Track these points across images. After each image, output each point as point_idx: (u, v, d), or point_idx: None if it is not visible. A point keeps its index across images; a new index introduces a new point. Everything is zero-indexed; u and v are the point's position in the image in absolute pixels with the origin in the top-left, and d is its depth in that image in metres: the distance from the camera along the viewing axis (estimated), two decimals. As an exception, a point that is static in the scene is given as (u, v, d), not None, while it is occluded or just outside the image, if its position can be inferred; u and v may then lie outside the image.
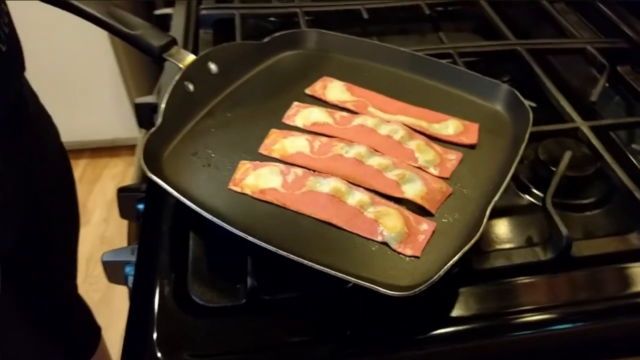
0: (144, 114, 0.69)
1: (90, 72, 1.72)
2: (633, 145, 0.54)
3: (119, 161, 2.10)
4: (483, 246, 0.48)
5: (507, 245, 0.49)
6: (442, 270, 0.38)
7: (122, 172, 2.07)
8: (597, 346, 0.44)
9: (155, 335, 0.41)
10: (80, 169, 1.98)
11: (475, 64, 0.71)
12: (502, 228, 0.52)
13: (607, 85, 0.68)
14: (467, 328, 0.42)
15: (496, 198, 0.43)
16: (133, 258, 0.52)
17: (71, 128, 1.92)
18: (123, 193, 0.62)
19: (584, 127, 0.55)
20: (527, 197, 0.55)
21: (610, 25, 0.71)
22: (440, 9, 0.82)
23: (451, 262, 0.38)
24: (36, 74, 1.83)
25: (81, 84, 1.77)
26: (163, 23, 0.83)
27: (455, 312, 0.43)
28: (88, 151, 2.03)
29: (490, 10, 0.74)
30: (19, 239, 0.65)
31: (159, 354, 0.40)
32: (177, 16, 0.78)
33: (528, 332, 0.43)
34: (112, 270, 0.56)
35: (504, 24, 0.73)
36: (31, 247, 0.70)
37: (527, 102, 0.56)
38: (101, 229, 1.83)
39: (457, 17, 0.84)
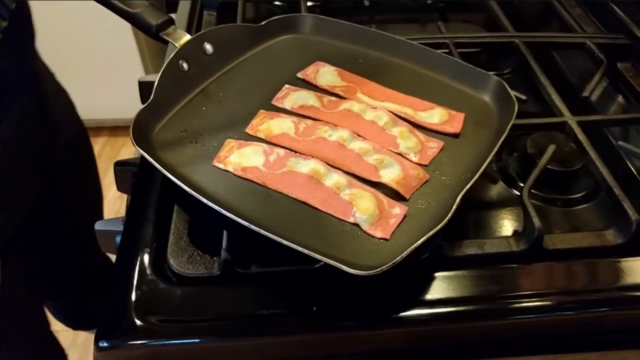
0: (147, 92, 0.70)
1: (110, 53, 1.76)
2: (620, 142, 0.53)
3: (137, 140, 2.14)
4: (459, 234, 0.49)
5: (487, 235, 0.50)
6: (405, 252, 0.39)
7: (138, 149, 2.12)
8: (561, 337, 0.45)
9: (133, 300, 0.43)
10: (99, 146, 2.03)
11: (477, 55, 0.72)
12: (485, 219, 0.53)
13: (607, 82, 0.68)
14: (432, 312, 0.43)
15: (467, 187, 0.44)
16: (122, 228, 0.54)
17: (91, 107, 1.96)
18: (119, 167, 0.64)
19: (572, 122, 0.55)
20: (513, 190, 0.56)
21: (614, 21, 0.70)
22: (446, 1, 0.82)
23: (413, 245, 0.39)
24: (58, 53, 1.87)
25: (101, 64, 1.80)
26: (173, 3, 0.85)
27: (422, 296, 0.44)
28: (107, 129, 2.07)
29: (493, 2, 0.73)
30: (34, 212, 0.68)
31: (135, 318, 0.42)
32: (185, -3, 0.80)
33: (493, 320, 0.44)
34: (104, 239, 0.59)
35: (507, 16, 0.72)
36: (47, 219, 0.74)
37: (516, 95, 0.56)
38: (117, 205, 1.88)
39: (465, 9, 0.84)
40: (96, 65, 1.81)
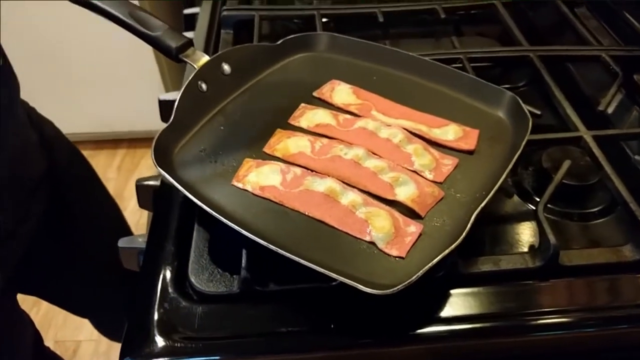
0: (166, 110, 0.72)
1: (130, 68, 1.80)
2: (637, 157, 0.53)
3: (156, 152, 2.18)
4: (475, 250, 0.49)
5: (503, 251, 0.50)
6: (421, 271, 0.40)
7: (158, 163, 2.16)
8: (579, 355, 0.45)
9: (155, 318, 0.45)
10: (118, 158, 2.06)
11: (491, 68, 0.72)
12: (501, 234, 0.53)
13: (623, 94, 0.67)
14: (448, 329, 0.44)
15: (483, 204, 0.44)
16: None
17: (111, 119, 2.02)
18: (141, 185, 0.66)
19: (587, 136, 0.55)
20: (529, 204, 0.56)
21: (630, 32, 0.70)
22: (462, 12, 0.83)
23: (429, 265, 0.40)
24: (79, 70, 1.92)
25: (121, 78, 1.84)
26: (191, 21, 0.87)
27: (439, 313, 0.44)
28: (126, 142, 2.11)
29: (507, 15, 0.74)
30: (44, 236, 0.70)
31: (156, 335, 0.43)
32: (202, 16, 0.82)
33: (509, 337, 0.44)
34: (127, 256, 0.60)
35: (521, 29, 0.72)
36: (59, 241, 0.76)
37: (531, 110, 0.56)
38: (136, 217, 1.91)
39: (479, 22, 0.84)
40: (115, 78, 1.85)
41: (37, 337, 0.80)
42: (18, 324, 0.73)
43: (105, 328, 1.03)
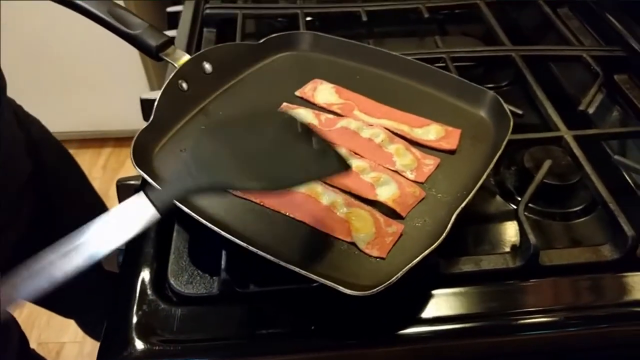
0: (148, 110, 0.71)
1: (116, 66, 1.78)
2: (616, 157, 0.54)
3: (141, 151, 2.17)
4: (457, 250, 0.49)
5: (486, 251, 0.50)
6: (401, 272, 0.39)
7: (144, 161, 2.15)
8: (560, 354, 0.45)
9: (134, 320, 0.44)
10: (104, 157, 2.05)
11: (474, 68, 0.72)
12: (483, 233, 0.53)
13: (604, 94, 0.68)
14: (430, 330, 0.43)
15: (463, 204, 0.44)
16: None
17: (97, 118, 2.00)
18: (122, 185, 0.65)
19: (568, 136, 0.55)
20: (511, 204, 0.56)
21: (611, 33, 0.71)
22: (445, 11, 0.83)
23: (408, 266, 0.39)
24: (65, 68, 1.89)
25: (107, 76, 1.83)
26: (174, 19, 0.86)
27: (420, 314, 0.44)
28: (112, 140, 2.09)
29: (490, 15, 0.74)
30: (30, 236, 0.69)
31: (135, 338, 0.43)
32: (186, 14, 0.81)
33: (491, 337, 0.44)
34: (106, 257, 0.59)
35: (504, 28, 0.73)
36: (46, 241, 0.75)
37: (512, 110, 0.56)
38: (122, 216, 1.90)
39: (464, 21, 0.84)
40: (101, 77, 1.83)
41: (23, 339, 0.79)
42: (5, 325, 0.72)
43: (91, 329, 1.02)
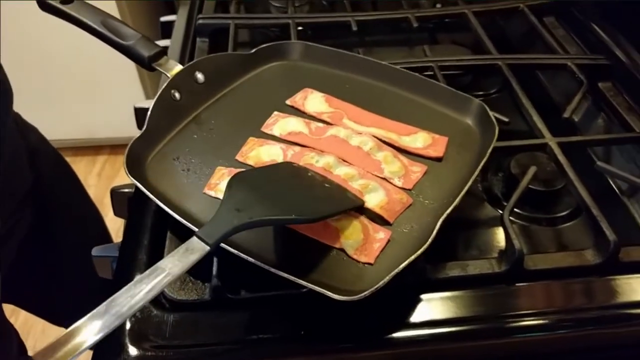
0: (143, 118, 0.72)
1: (111, 75, 1.79)
2: (598, 163, 0.55)
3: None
4: (445, 255, 0.50)
5: (474, 256, 0.52)
6: (388, 277, 0.40)
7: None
8: (543, 357, 0.46)
9: (127, 327, 0.45)
10: (99, 165, 2.05)
11: (463, 76, 0.73)
12: (471, 239, 0.55)
13: (589, 101, 0.69)
14: (417, 334, 0.45)
15: (449, 210, 0.45)
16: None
17: (93, 126, 2.00)
18: (116, 193, 0.66)
19: (552, 143, 0.56)
20: (498, 210, 0.57)
21: (596, 42, 0.72)
22: (434, 21, 0.84)
23: (395, 271, 0.40)
24: (62, 77, 1.90)
25: (103, 85, 1.84)
26: (167, 29, 0.87)
27: (407, 318, 0.45)
28: (108, 148, 2.10)
29: (477, 24, 0.75)
30: (29, 244, 0.69)
31: (128, 344, 0.44)
32: (179, 24, 0.82)
33: (477, 340, 0.45)
34: (100, 265, 0.60)
35: (493, 38, 0.74)
36: (44, 250, 0.75)
37: (498, 117, 0.58)
38: (117, 224, 1.90)
39: (453, 30, 0.86)
40: (97, 84, 1.84)
41: (22, 347, 0.79)
42: (5, 334, 0.73)
43: None
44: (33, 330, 1.45)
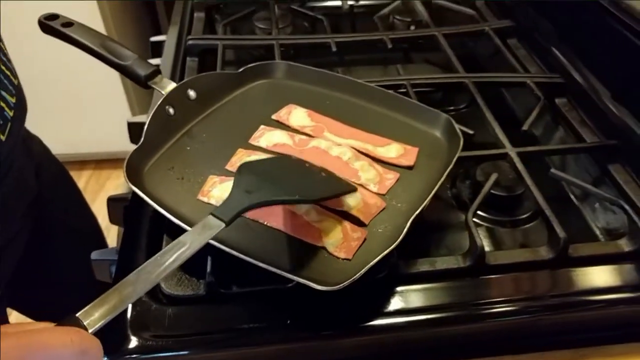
0: (135, 132, 0.77)
1: (97, 91, 1.83)
2: (552, 171, 0.61)
3: (121, 173, 2.20)
4: (418, 254, 0.55)
5: (443, 254, 0.57)
6: (363, 269, 0.46)
7: (124, 183, 2.16)
8: (502, 341, 0.52)
9: (129, 319, 0.49)
10: (84, 179, 2.07)
11: (434, 93, 0.80)
12: (441, 240, 0.60)
13: (551, 116, 0.76)
14: (391, 322, 0.50)
15: (418, 211, 0.51)
16: (116, 257, 0.60)
17: (78, 141, 2.03)
18: (112, 201, 0.70)
19: (512, 153, 0.63)
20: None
21: (553, 62, 0.80)
22: (407, 42, 0.91)
23: (369, 264, 0.46)
24: (47, 92, 1.93)
25: (88, 101, 1.87)
26: (157, 48, 0.92)
27: (382, 308, 0.50)
28: (93, 162, 2.13)
29: (446, 45, 0.82)
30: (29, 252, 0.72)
31: (131, 335, 0.48)
32: (169, 44, 0.88)
33: (444, 326, 0.51)
34: (99, 268, 0.65)
35: (461, 57, 0.81)
36: (44, 256, 0.78)
37: (464, 130, 0.64)
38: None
39: (426, 50, 0.92)
40: (82, 100, 1.87)
41: None
42: None
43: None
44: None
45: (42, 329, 0.33)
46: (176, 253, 0.41)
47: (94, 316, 0.36)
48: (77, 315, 0.35)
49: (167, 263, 0.40)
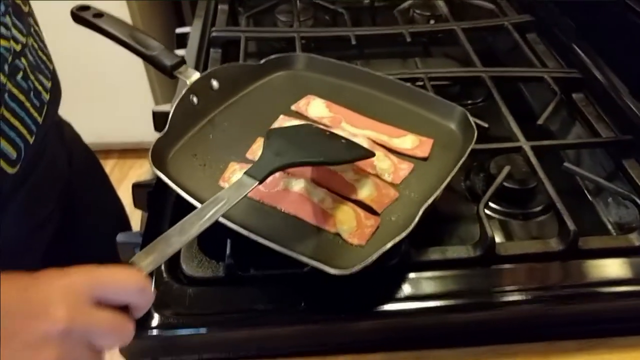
0: (160, 121, 0.80)
1: (121, 81, 1.86)
2: (565, 164, 0.62)
3: (144, 162, 2.25)
4: (431, 243, 0.57)
5: (454, 244, 0.58)
6: (376, 254, 0.47)
7: (147, 171, 2.21)
8: (512, 330, 0.53)
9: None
10: (108, 168, 2.12)
11: (453, 87, 0.81)
12: (454, 230, 0.62)
13: (565, 111, 0.77)
14: (402, 307, 0.51)
15: (429, 201, 0.52)
16: (140, 240, 0.63)
17: (102, 130, 2.08)
18: (137, 187, 0.73)
19: (526, 146, 0.63)
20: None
21: (572, 57, 0.80)
22: (427, 36, 0.92)
23: (381, 249, 0.47)
24: (73, 82, 1.97)
25: (113, 91, 1.91)
26: (182, 40, 0.95)
27: (393, 294, 0.52)
28: (117, 152, 2.17)
29: (464, 39, 0.83)
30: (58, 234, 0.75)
31: (153, 312, 0.51)
32: (193, 35, 0.90)
33: (453, 313, 0.52)
34: (124, 250, 0.67)
35: (479, 51, 0.82)
36: (72, 239, 0.80)
37: (479, 123, 0.65)
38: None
39: (445, 44, 0.93)
40: (107, 90, 1.91)
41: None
42: None
43: None
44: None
45: (109, 267, 0.37)
46: (215, 207, 0.44)
47: (146, 260, 0.40)
48: (132, 260, 0.39)
49: (207, 216, 0.43)
